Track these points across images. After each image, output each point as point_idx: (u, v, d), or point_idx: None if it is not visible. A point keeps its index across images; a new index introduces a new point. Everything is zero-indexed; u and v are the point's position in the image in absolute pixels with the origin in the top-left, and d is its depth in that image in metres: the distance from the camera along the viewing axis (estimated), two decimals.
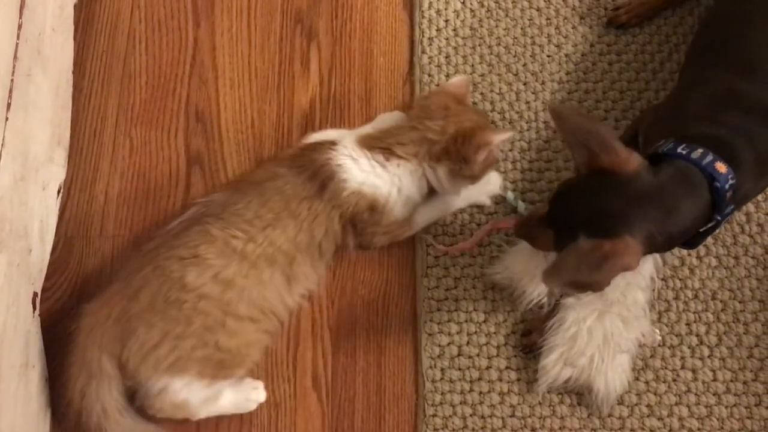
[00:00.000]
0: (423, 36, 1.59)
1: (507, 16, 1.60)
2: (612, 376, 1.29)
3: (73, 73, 1.56)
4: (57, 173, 1.46)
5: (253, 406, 1.34)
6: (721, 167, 1.09)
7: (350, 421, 1.35)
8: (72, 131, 1.53)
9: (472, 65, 1.56)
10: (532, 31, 1.59)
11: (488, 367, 1.36)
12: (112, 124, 1.54)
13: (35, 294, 1.34)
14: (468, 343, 1.38)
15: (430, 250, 1.43)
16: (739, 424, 1.31)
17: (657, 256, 1.33)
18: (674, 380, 1.34)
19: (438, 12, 1.61)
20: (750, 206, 1.43)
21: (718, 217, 1.12)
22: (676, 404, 1.33)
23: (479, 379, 1.36)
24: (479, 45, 1.58)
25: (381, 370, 1.38)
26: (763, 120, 1.16)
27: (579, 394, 1.33)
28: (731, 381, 1.34)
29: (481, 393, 1.35)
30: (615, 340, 1.28)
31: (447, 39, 1.59)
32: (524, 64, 1.56)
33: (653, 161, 1.11)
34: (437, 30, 1.60)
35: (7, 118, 1.24)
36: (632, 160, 1.08)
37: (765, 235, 1.41)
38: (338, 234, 1.35)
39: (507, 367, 1.36)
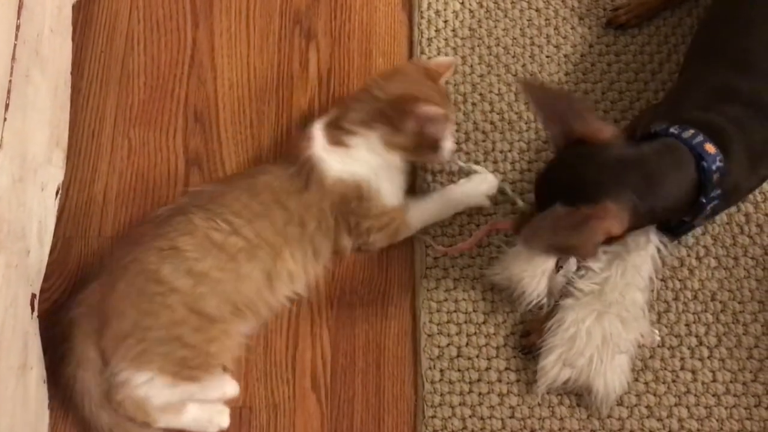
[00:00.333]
0: (422, 37, 1.59)
1: (506, 16, 1.60)
2: (611, 376, 1.28)
3: (72, 74, 1.56)
4: (55, 174, 1.46)
5: (213, 430, 1.31)
6: (710, 148, 1.10)
7: (349, 422, 1.35)
8: (70, 132, 1.53)
9: (471, 66, 1.56)
10: (530, 32, 1.59)
11: (487, 368, 1.36)
12: (111, 125, 1.54)
13: (33, 295, 1.33)
14: (467, 344, 1.38)
15: (430, 251, 1.43)
16: (739, 425, 1.31)
17: (656, 256, 1.33)
18: (673, 381, 1.34)
19: (437, 13, 1.61)
20: (749, 207, 1.43)
21: (703, 200, 1.12)
22: (676, 405, 1.32)
23: (478, 380, 1.35)
24: (478, 46, 1.58)
25: (380, 371, 1.38)
26: (758, 115, 1.17)
27: (578, 395, 1.33)
28: (731, 382, 1.33)
29: (480, 394, 1.35)
30: (614, 341, 1.28)
31: (446, 40, 1.59)
32: (523, 65, 1.56)
33: (645, 140, 1.12)
34: (436, 31, 1.59)
35: (5, 119, 1.24)
36: (606, 130, 1.09)
37: (764, 235, 1.41)
38: (331, 228, 1.34)
39: (506, 368, 1.36)
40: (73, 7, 1.60)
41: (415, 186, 1.47)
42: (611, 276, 1.30)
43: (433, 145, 1.33)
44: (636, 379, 1.34)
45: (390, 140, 1.32)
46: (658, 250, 1.32)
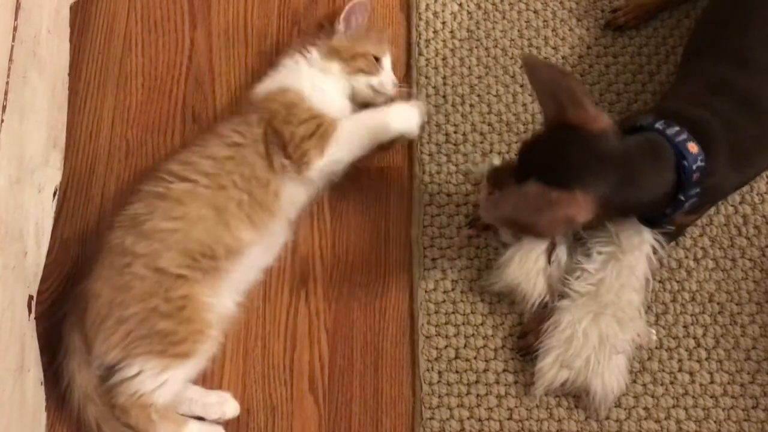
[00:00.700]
0: (420, 38, 1.59)
1: (504, 18, 1.60)
2: (609, 377, 1.28)
3: (69, 75, 1.56)
4: (53, 175, 1.46)
5: None
6: (693, 147, 1.11)
7: (347, 424, 1.35)
8: (68, 133, 1.52)
9: (469, 67, 1.56)
10: (529, 34, 1.59)
11: (486, 370, 1.36)
12: (108, 126, 1.54)
13: (31, 297, 1.33)
14: (465, 345, 1.38)
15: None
16: (737, 426, 1.31)
17: (651, 256, 1.33)
18: (671, 383, 1.34)
19: (435, 14, 1.61)
20: (747, 209, 1.43)
21: (682, 197, 1.13)
22: (674, 407, 1.33)
23: (476, 381, 1.35)
24: (476, 47, 1.58)
25: (378, 372, 1.38)
26: (748, 112, 1.18)
27: (576, 396, 1.33)
28: (728, 383, 1.33)
29: (478, 396, 1.35)
30: (611, 342, 1.28)
31: (444, 41, 1.59)
32: (521, 67, 1.55)
33: (630, 133, 1.13)
34: (434, 32, 1.59)
35: (2, 120, 1.24)
36: (601, 119, 1.09)
37: (762, 237, 1.41)
38: (259, 140, 1.35)
39: (504, 370, 1.36)
40: (71, 8, 1.60)
41: (413, 187, 1.47)
42: (606, 277, 1.29)
43: (364, 55, 1.44)
44: (634, 381, 1.34)
45: (327, 47, 1.43)
46: (654, 251, 1.32)
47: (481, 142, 1.50)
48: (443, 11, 1.61)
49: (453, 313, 1.39)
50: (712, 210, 1.42)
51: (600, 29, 1.58)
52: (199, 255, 1.28)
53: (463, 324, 1.39)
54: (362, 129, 1.39)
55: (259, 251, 1.36)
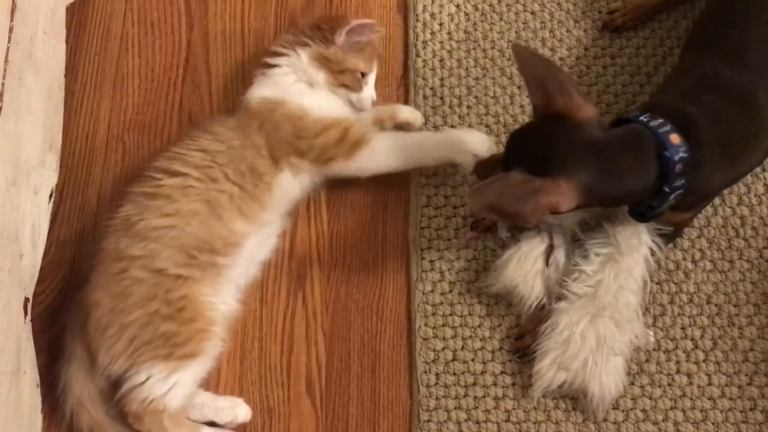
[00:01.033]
0: (417, 39, 1.59)
1: (501, 19, 1.60)
2: (606, 379, 1.28)
3: (66, 76, 1.56)
4: (49, 177, 1.46)
5: None
6: (675, 138, 1.12)
7: (344, 427, 1.35)
8: (64, 135, 1.52)
9: (467, 69, 1.56)
10: (526, 35, 1.59)
11: (483, 372, 1.36)
12: (105, 128, 1.54)
13: (27, 299, 1.33)
14: (463, 347, 1.37)
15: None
16: (735, 428, 1.31)
17: (649, 258, 1.33)
18: (669, 385, 1.33)
19: (432, 15, 1.61)
20: (744, 210, 1.42)
21: (666, 189, 1.14)
22: (672, 409, 1.32)
23: (474, 383, 1.35)
24: (474, 49, 1.58)
25: (375, 374, 1.38)
26: (739, 108, 1.19)
27: (574, 398, 1.33)
28: (726, 385, 1.33)
29: (476, 398, 1.34)
30: (608, 344, 1.28)
31: (441, 42, 1.59)
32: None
33: (616, 125, 1.16)
34: (431, 33, 1.59)
35: None
36: (586, 109, 1.12)
37: (759, 238, 1.41)
38: (260, 145, 1.35)
39: (502, 372, 1.36)
40: (67, 9, 1.60)
41: (410, 189, 1.47)
42: (604, 279, 1.29)
43: (353, 72, 1.43)
44: (632, 383, 1.33)
45: (318, 54, 1.41)
46: (652, 252, 1.32)
47: None
48: (440, 13, 1.61)
49: (450, 315, 1.39)
50: (710, 211, 1.42)
51: (597, 30, 1.58)
52: (197, 250, 1.27)
53: (461, 326, 1.38)
54: (404, 150, 1.39)
55: (255, 242, 1.36)
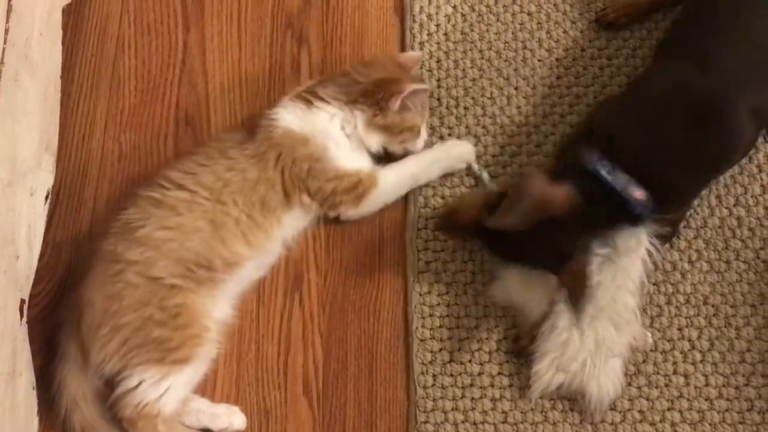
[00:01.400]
0: (414, 40, 1.59)
1: (498, 20, 1.60)
2: (604, 380, 1.28)
3: (62, 77, 1.55)
4: (45, 179, 1.45)
5: None
6: (639, 194, 1.18)
7: (341, 428, 1.34)
8: (60, 136, 1.52)
9: (463, 70, 1.56)
10: (523, 36, 1.59)
11: (480, 373, 1.36)
12: (101, 129, 1.54)
13: (23, 301, 1.32)
14: (460, 348, 1.37)
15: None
16: (732, 429, 1.31)
17: (647, 259, 1.33)
18: (666, 385, 1.33)
19: (429, 16, 1.61)
20: (741, 211, 1.43)
21: (639, 222, 1.24)
22: (669, 410, 1.32)
23: (471, 385, 1.35)
24: (470, 49, 1.58)
25: (372, 376, 1.37)
26: (699, 126, 1.20)
27: (571, 400, 1.33)
28: (723, 386, 1.33)
29: (473, 399, 1.34)
30: (607, 345, 1.28)
31: (438, 43, 1.58)
32: (515, 69, 1.55)
33: (580, 172, 1.20)
34: (428, 34, 1.59)
35: None
36: (557, 194, 1.16)
37: (756, 239, 1.41)
38: (277, 182, 1.34)
39: (499, 373, 1.35)
40: (63, 10, 1.60)
41: (407, 192, 1.47)
42: (602, 280, 1.29)
43: (412, 128, 1.39)
44: (629, 384, 1.33)
45: (374, 122, 1.36)
46: (649, 254, 1.32)
47: (476, 145, 1.49)
48: (437, 14, 1.61)
49: (447, 316, 1.39)
50: (707, 212, 1.42)
51: (594, 31, 1.58)
52: (195, 265, 1.27)
53: (458, 327, 1.38)
54: (406, 178, 1.42)
55: (255, 265, 1.36)
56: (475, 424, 1.33)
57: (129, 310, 1.23)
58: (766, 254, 1.40)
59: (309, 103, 1.37)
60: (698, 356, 1.35)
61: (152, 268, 1.25)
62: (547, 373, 1.30)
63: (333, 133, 1.37)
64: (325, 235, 1.46)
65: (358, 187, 1.37)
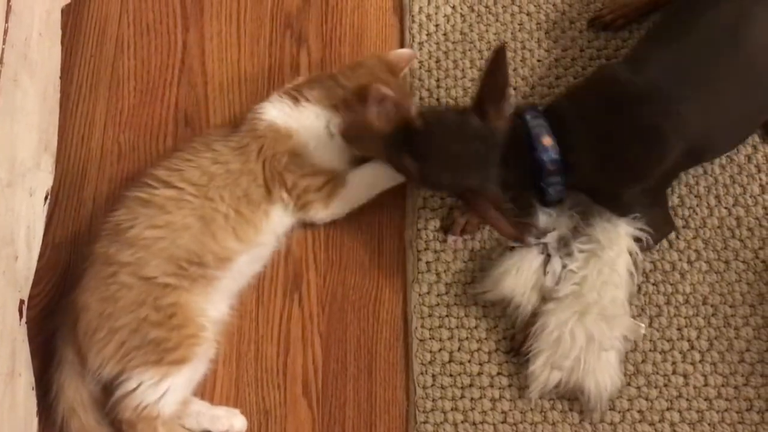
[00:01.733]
0: (413, 41, 1.59)
1: (497, 20, 1.60)
2: (601, 375, 1.28)
3: (61, 78, 1.55)
4: (44, 179, 1.45)
5: None
6: (548, 141, 1.23)
7: (341, 428, 1.34)
8: (59, 137, 1.52)
9: (463, 70, 1.56)
10: (522, 36, 1.59)
11: (480, 373, 1.36)
12: (100, 130, 1.53)
13: (22, 301, 1.32)
14: (459, 349, 1.37)
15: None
16: (731, 429, 1.31)
17: (633, 249, 1.32)
18: (665, 385, 1.34)
19: (428, 17, 1.61)
20: (740, 211, 1.43)
21: (543, 185, 1.26)
22: (668, 409, 1.32)
23: (470, 385, 1.35)
24: (470, 50, 1.58)
25: (372, 376, 1.37)
26: (622, 109, 1.24)
27: (571, 400, 1.33)
28: (722, 386, 1.33)
29: (472, 399, 1.34)
30: (598, 340, 1.27)
31: (437, 44, 1.59)
32: (514, 69, 1.56)
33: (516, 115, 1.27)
34: (427, 35, 1.59)
35: None
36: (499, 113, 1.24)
37: (755, 239, 1.41)
38: (259, 174, 1.34)
39: (498, 373, 1.36)
40: (63, 11, 1.59)
41: (407, 190, 1.47)
42: (588, 275, 1.29)
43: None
44: (628, 384, 1.33)
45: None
46: (638, 240, 1.31)
47: None
48: (436, 14, 1.61)
49: (447, 316, 1.39)
50: (705, 212, 1.43)
51: (593, 32, 1.58)
52: (186, 263, 1.27)
53: (457, 327, 1.38)
54: (371, 178, 1.41)
55: (247, 260, 1.35)
56: (474, 424, 1.33)
57: (124, 312, 1.23)
58: (765, 254, 1.40)
59: (296, 100, 1.39)
60: (697, 356, 1.35)
61: (145, 268, 1.25)
62: (543, 372, 1.30)
63: (317, 130, 1.38)
64: (324, 235, 1.46)
65: (328, 186, 1.37)
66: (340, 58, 1.59)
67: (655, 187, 1.32)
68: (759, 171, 1.45)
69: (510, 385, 1.35)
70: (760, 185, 1.44)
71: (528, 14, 1.60)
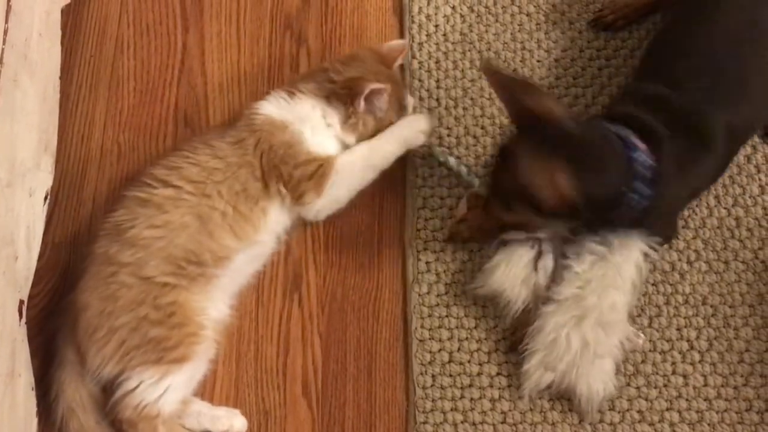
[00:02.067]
0: (413, 41, 1.59)
1: (497, 21, 1.60)
2: (594, 381, 1.28)
3: (61, 78, 1.55)
4: (44, 179, 1.45)
5: None
6: (641, 144, 1.20)
7: (341, 429, 1.34)
8: (59, 137, 1.52)
9: (462, 70, 1.56)
10: (522, 36, 1.59)
11: (479, 374, 1.36)
12: (100, 130, 1.53)
13: (21, 301, 1.32)
14: (459, 349, 1.37)
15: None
16: (730, 429, 1.31)
17: (641, 262, 1.32)
18: (665, 386, 1.34)
19: (428, 17, 1.61)
20: (740, 211, 1.43)
21: (633, 195, 1.19)
22: (668, 410, 1.32)
23: (470, 385, 1.35)
24: (469, 50, 1.58)
25: (371, 376, 1.37)
26: (682, 127, 1.22)
27: (570, 400, 1.33)
28: (722, 386, 1.34)
29: (472, 399, 1.34)
30: (593, 346, 1.27)
31: (437, 44, 1.59)
32: (514, 69, 1.56)
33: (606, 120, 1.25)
34: (427, 35, 1.59)
35: None
36: (556, 109, 1.16)
37: (755, 239, 1.41)
38: (256, 167, 1.34)
39: (498, 374, 1.36)
40: (62, 11, 1.59)
41: (406, 191, 1.47)
42: (592, 278, 1.29)
43: (382, 123, 1.41)
44: (628, 384, 1.34)
45: (350, 126, 1.39)
46: (646, 256, 1.32)
47: (474, 145, 1.50)
48: (436, 14, 1.61)
49: (446, 316, 1.39)
50: (705, 212, 1.43)
51: (593, 32, 1.58)
52: (184, 262, 1.27)
53: (457, 327, 1.38)
54: (364, 159, 1.39)
55: (246, 258, 1.35)
56: (474, 424, 1.33)
57: (124, 311, 1.23)
58: (765, 254, 1.40)
59: (292, 94, 1.40)
60: (697, 356, 1.35)
61: (144, 267, 1.25)
62: (536, 372, 1.30)
63: (312, 120, 1.38)
64: (324, 235, 1.46)
65: (318, 171, 1.36)
66: None
67: None
68: (758, 171, 1.45)
69: (509, 386, 1.35)
70: (760, 186, 1.45)
71: (528, 15, 1.60)
